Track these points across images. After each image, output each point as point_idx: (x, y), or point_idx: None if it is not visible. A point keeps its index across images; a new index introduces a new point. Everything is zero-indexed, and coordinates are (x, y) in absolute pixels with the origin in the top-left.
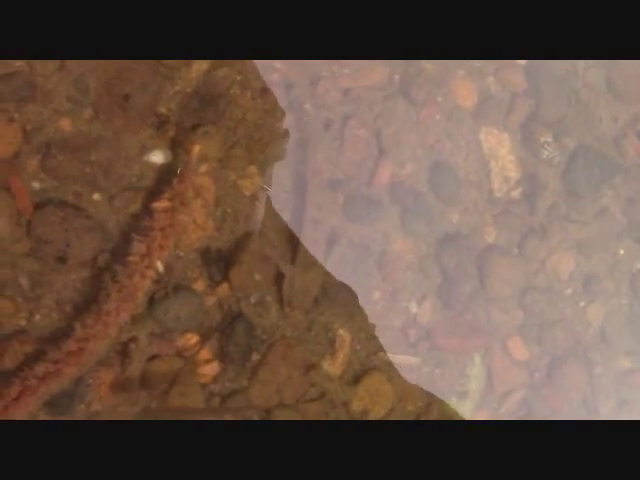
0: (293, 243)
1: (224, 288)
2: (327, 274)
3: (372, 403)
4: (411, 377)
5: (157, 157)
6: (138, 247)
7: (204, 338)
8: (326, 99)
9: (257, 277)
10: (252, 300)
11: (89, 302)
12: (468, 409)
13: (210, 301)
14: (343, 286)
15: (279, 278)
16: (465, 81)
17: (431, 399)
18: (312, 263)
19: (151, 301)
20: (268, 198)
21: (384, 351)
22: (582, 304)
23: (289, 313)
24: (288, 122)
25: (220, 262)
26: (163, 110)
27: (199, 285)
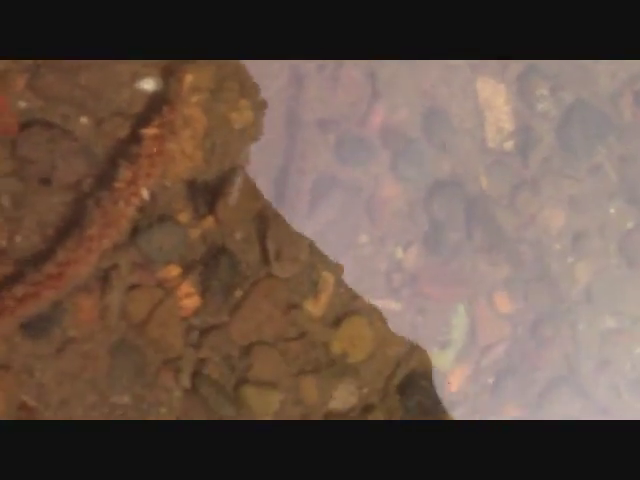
0: (280, 186)
1: (209, 221)
2: (315, 217)
3: (352, 346)
4: (393, 323)
5: (148, 84)
6: (124, 173)
7: (186, 271)
8: None
9: (244, 212)
10: (237, 236)
11: (71, 226)
12: (449, 359)
13: (194, 234)
14: (330, 228)
15: (263, 228)
16: None
17: (412, 346)
18: (300, 208)
19: (134, 230)
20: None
21: (367, 295)
22: (570, 260)
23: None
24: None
25: (206, 195)
26: None
27: (184, 217)
